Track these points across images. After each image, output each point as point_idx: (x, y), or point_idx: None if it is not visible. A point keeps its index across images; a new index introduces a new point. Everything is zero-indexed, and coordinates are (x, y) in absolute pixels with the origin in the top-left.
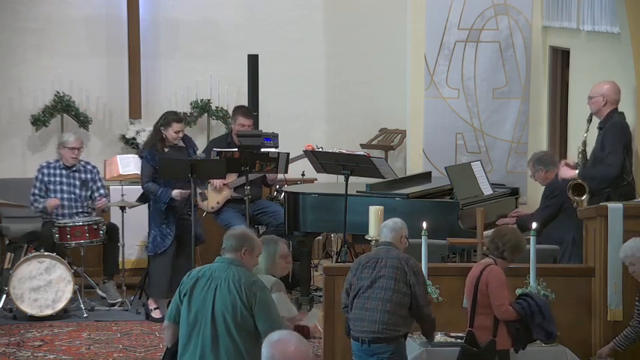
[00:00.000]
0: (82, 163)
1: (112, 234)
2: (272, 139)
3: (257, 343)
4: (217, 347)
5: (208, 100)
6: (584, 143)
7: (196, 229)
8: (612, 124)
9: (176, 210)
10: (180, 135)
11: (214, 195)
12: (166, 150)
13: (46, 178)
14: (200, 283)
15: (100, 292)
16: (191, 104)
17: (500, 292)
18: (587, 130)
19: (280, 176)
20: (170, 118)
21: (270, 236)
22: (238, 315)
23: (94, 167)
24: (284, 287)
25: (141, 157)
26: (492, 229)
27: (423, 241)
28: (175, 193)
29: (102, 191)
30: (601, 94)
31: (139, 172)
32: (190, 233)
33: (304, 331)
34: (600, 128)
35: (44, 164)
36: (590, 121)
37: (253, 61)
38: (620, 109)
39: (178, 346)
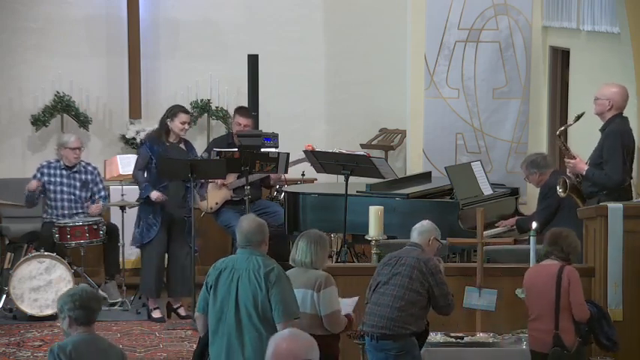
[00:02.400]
0: (83, 163)
1: (112, 234)
2: (272, 139)
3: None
4: (242, 335)
5: (208, 100)
6: (560, 137)
7: (188, 234)
8: (611, 131)
9: (165, 204)
10: (187, 127)
11: (213, 195)
12: (167, 144)
13: (45, 178)
14: (224, 275)
15: (101, 293)
16: (191, 104)
17: (581, 292)
18: (569, 124)
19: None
20: (177, 109)
21: (315, 230)
22: (259, 304)
23: (94, 168)
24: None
25: (140, 144)
26: (491, 230)
27: None
28: (154, 194)
29: (102, 193)
30: (607, 97)
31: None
32: (185, 235)
33: (350, 319)
34: (601, 131)
35: (44, 164)
36: (578, 117)
37: (253, 61)
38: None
39: (209, 335)
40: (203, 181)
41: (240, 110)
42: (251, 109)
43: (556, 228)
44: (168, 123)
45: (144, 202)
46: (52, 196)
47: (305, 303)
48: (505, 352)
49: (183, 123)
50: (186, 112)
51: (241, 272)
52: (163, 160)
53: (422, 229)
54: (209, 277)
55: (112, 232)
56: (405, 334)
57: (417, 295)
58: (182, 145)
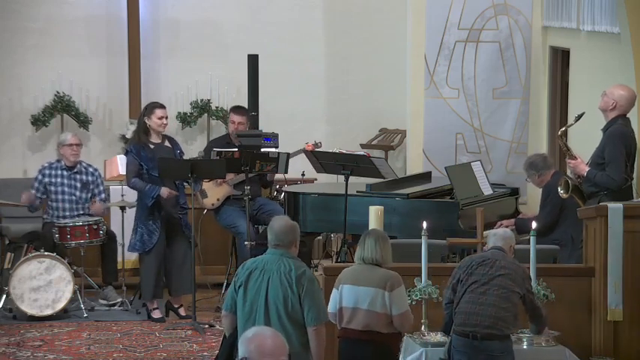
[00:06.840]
0: (84, 164)
1: (110, 241)
2: (272, 139)
3: (307, 331)
4: None
5: (208, 100)
6: (561, 137)
7: (187, 229)
8: (611, 133)
9: (162, 207)
10: (165, 122)
11: (214, 191)
12: (152, 147)
13: (47, 179)
14: (254, 275)
15: (100, 301)
16: (191, 104)
17: None
18: (570, 124)
19: (280, 176)
20: (152, 105)
21: (379, 229)
22: (289, 305)
23: (95, 170)
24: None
25: (126, 152)
26: (491, 230)
27: (423, 241)
28: (164, 191)
29: (102, 196)
30: (614, 98)
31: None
32: (181, 233)
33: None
34: (603, 131)
35: (46, 165)
36: (579, 117)
37: (253, 61)
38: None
39: (238, 334)
40: None
41: (234, 108)
42: (251, 109)
43: None
44: (147, 121)
45: (142, 207)
46: (53, 197)
47: (375, 302)
48: None
49: (160, 118)
50: (161, 106)
51: (271, 273)
52: (163, 160)
53: (505, 235)
54: (237, 277)
55: (110, 239)
56: (508, 334)
57: (517, 297)
58: (167, 143)
